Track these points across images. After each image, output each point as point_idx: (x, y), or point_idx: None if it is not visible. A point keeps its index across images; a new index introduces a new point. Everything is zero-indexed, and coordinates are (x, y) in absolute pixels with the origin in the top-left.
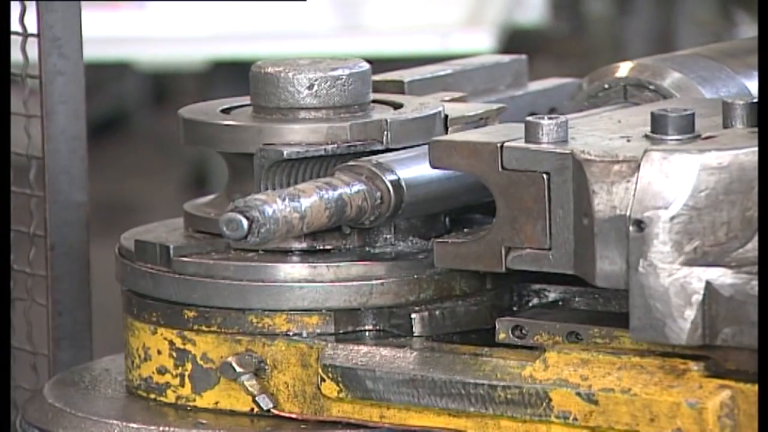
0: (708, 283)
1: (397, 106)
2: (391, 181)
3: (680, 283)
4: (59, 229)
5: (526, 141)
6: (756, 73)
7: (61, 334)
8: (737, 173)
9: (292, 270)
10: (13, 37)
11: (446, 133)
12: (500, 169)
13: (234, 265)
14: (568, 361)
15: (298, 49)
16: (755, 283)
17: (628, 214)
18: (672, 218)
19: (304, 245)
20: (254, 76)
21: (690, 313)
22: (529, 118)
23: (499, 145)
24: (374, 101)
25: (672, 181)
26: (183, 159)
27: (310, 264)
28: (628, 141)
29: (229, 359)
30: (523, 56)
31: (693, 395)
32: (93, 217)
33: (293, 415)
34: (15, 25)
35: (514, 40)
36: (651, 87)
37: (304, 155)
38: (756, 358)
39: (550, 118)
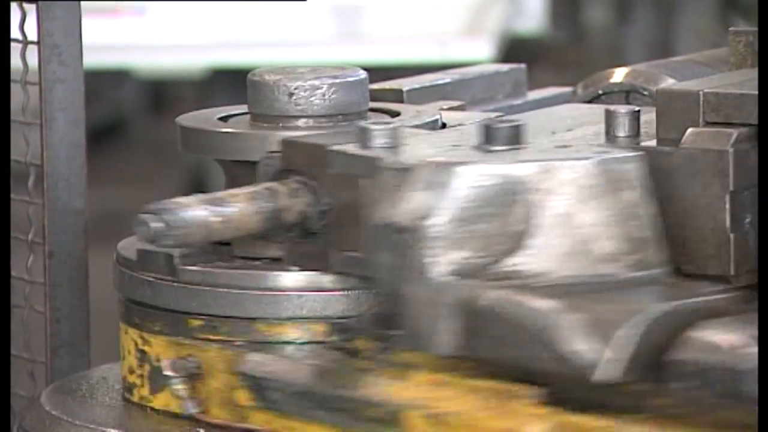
0: (464, 295)
1: (394, 114)
2: None
3: (436, 293)
4: (58, 236)
5: (359, 146)
6: None
7: (59, 342)
8: (505, 187)
9: (232, 276)
10: (12, 44)
11: None
12: (329, 171)
13: (186, 270)
14: (430, 382)
15: (297, 57)
16: (503, 297)
17: (397, 221)
18: (435, 228)
19: (277, 253)
20: (252, 83)
21: (448, 324)
22: (362, 123)
23: (328, 147)
24: (372, 110)
25: (438, 192)
26: (181, 166)
27: (293, 272)
28: (453, 149)
29: (162, 363)
30: (522, 65)
31: (517, 422)
32: (90, 224)
33: (219, 421)
34: (15, 32)
35: (513, 48)
36: (645, 93)
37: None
38: (587, 388)
39: (380, 123)
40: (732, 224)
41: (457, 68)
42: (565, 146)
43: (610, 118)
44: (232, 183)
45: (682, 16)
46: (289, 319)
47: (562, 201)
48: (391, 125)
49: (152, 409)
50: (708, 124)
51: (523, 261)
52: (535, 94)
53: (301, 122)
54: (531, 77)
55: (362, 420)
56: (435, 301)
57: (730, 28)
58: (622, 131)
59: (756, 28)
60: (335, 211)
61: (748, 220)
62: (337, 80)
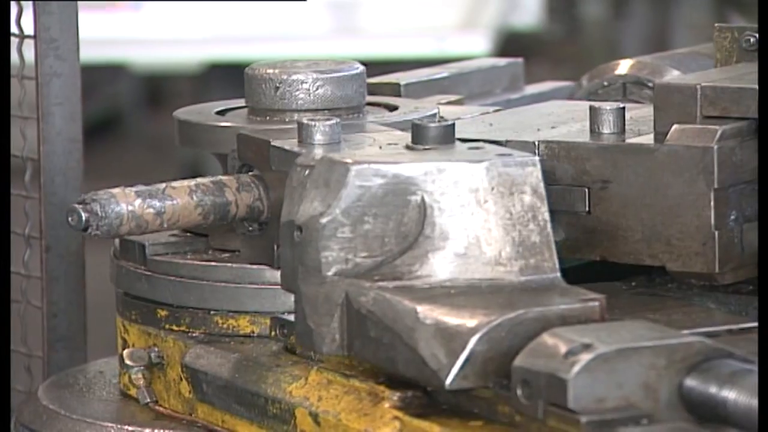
0: (346, 295)
1: (392, 108)
2: None
3: (326, 292)
4: (54, 230)
5: (299, 141)
6: None
7: (56, 336)
8: (395, 187)
9: (257, 273)
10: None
11: None
12: (272, 167)
13: (201, 266)
14: (320, 381)
15: (294, 51)
16: (380, 299)
17: (294, 219)
18: (325, 226)
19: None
20: (249, 77)
21: (331, 323)
22: (303, 119)
23: (270, 143)
24: (370, 104)
25: (331, 190)
26: (177, 161)
27: (200, 261)
28: (380, 148)
29: (123, 352)
30: (520, 60)
31: (372, 425)
32: None
33: (172, 413)
34: (11, 27)
35: (509, 43)
36: (650, 84)
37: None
38: (458, 395)
39: (324, 120)
40: (717, 221)
41: (455, 62)
42: (476, 148)
43: (594, 114)
44: None
45: (677, 10)
46: (245, 312)
47: (454, 203)
48: (331, 121)
49: (130, 396)
50: (705, 118)
51: (412, 262)
52: (532, 89)
53: (294, 116)
54: (527, 72)
55: (267, 416)
56: (323, 300)
57: (716, 24)
58: (607, 128)
59: (740, 24)
60: (276, 206)
61: (733, 217)
62: (335, 74)
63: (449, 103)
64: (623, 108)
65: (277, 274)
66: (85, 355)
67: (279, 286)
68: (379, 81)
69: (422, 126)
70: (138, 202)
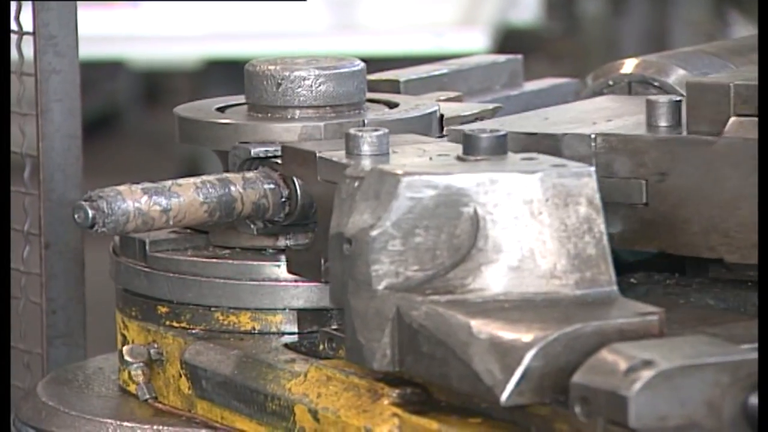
0: (398, 309)
1: (392, 105)
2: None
3: (377, 307)
4: (54, 227)
5: (347, 153)
6: None
7: (55, 333)
8: (447, 198)
9: (258, 269)
10: None
11: (440, 133)
12: (319, 179)
13: (202, 262)
14: (319, 378)
15: (293, 48)
16: (432, 313)
17: (344, 231)
18: (376, 239)
19: (278, 244)
20: (249, 74)
21: (382, 338)
22: (351, 130)
23: (315, 154)
24: (370, 100)
25: (381, 202)
26: (175, 157)
27: (276, 263)
28: (430, 159)
29: (123, 349)
30: (519, 56)
31: (371, 422)
32: None
33: (172, 409)
34: (11, 23)
35: (508, 39)
36: (656, 83)
37: (274, 154)
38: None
39: (372, 131)
40: None
41: (454, 59)
42: (529, 159)
43: (651, 107)
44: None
45: (676, 7)
46: (246, 309)
47: (507, 215)
48: (379, 132)
49: (129, 393)
50: (738, 116)
51: (465, 275)
52: (531, 85)
53: (296, 113)
54: (526, 68)
55: (267, 412)
56: (374, 314)
57: None
58: (664, 121)
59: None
60: (324, 219)
61: None
62: (337, 71)
63: (448, 99)
64: (680, 101)
65: (277, 271)
66: (84, 351)
67: (278, 283)
68: (378, 78)
69: (474, 136)
70: (144, 199)
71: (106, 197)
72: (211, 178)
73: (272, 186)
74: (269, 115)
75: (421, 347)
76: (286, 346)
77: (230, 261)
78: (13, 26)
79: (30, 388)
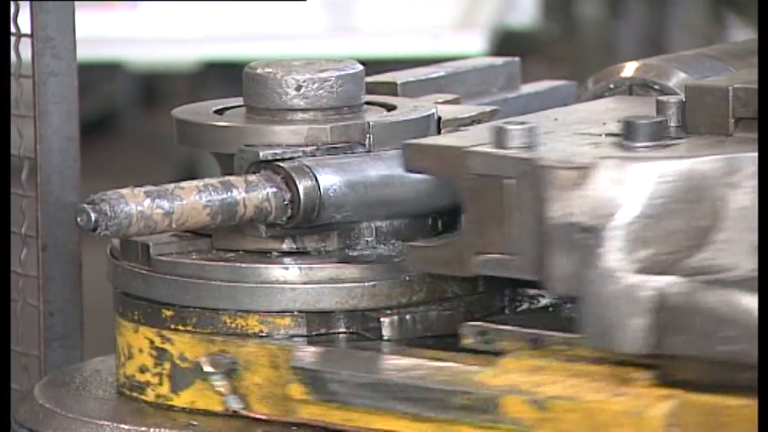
0: (658, 292)
1: (390, 108)
2: (305, 185)
3: (630, 290)
4: (51, 229)
5: (495, 146)
6: None
7: (53, 335)
8: (691, 182)
9: (266, 271)
10: None
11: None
12: (468, 173)
13: (209, 265)
14: (523, 367)
15: (290, 50)
16: (704, 292)
17: (580, 220)
18: (624, 225)
19: (283, 246)
20: (248, 77)
21: (639, 322)
22: (497, 123)
23: (466, 149)
24: (368, 103)
25: (625, 189)
26: (173, 160)
27: (284, 265)
28: (596, 147)
29: (201, 359)
30: (516, 59)
31: (638, 404)
32: None
33: (263, 417)
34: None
35: (505, 42)
36: (656, 87)
37: (282, 156)
38: (703, 368)
39: (518, 123)
40: None
41: (452, 61)
42: (722, 140)
43: (661, 108)
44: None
45: (674, 10)
46: (254, 311)
47: (746, 194)
48: (527, 125)
49: (173, 407)
50: (738, 120)
51: (709, 256)
52: (529, 88)
53: (296, 116)
54: (524, 71)
55: (449, 408)
56: (626, 299)
57: None
58: (674, 121)
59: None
60: (475, 213)
61: None
62: (336, 74)
63: (446, 102)
64: (684, 102)
65: (287, 273)
66: (81, 353)
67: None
68: (375, 80)
69: (636, 123)
70: (147, 202)
71: (108, 200)
72: (213, 181)
73: (275, 189)
74: (267, 117)
75: (694, 327)
76: (409, 343)
77: (237, 264)
78: (12, 28)
79: (27, 391)
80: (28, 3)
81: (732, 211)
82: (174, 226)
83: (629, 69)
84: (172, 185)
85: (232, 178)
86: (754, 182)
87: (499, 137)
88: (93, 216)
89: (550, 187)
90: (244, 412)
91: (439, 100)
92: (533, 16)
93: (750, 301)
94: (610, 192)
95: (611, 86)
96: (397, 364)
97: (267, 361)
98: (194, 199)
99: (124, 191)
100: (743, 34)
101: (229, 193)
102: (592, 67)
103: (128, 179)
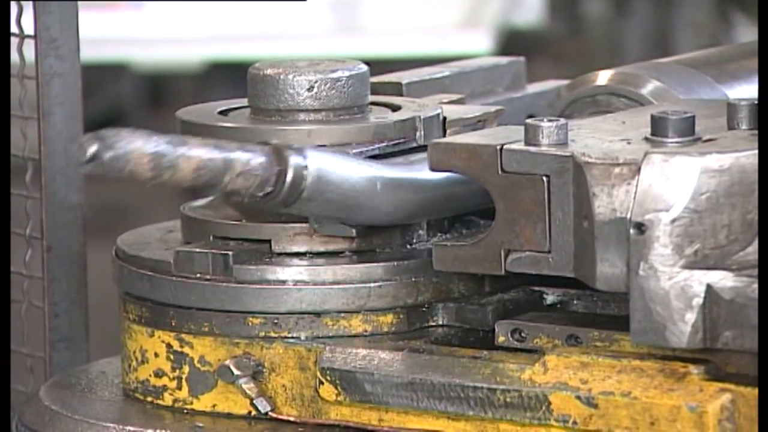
0: (709, 286)
1: (394, 108)
2: (295, 164)
3: (681, 286)
4: (56, 230)
5: (526, 143)
6: (738, 82)
7: (58, 337)
8: (738, 176)
9: (290, 272)
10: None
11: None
12: (500, 171)
13: (233, 268)
14: (568, 365)
15: (295, 50)
16: (756, 286)
17: (628, 216)
18: (673, 221)
19: (353, 245)
20: (253, 77)
21: (691, 317)
22: (529, 120)
23: (498, 147)
24: (373, 103)
25: (673, 184)
26: None
27: (291, 266)
28: (629, 143)
29: (228, 362)
30: (522, 58)
31: (693, 399)
32: (88, 218)
33: (291, 418)
34: (12, 27)
35: (511, 41)
36: (630, 96)
37: (366, 155)
38: (757, 361)
39: (549, 120)
40: None
41: (457, 61)
42: (752, 136)
43: (732, 111)
44: None
45: (680, 9)
46: (259, 312)
47: None
48: (558, 121)
49: (193, 411)
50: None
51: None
52: (534, 87)
53: (300, 116)
54: (529, 70)
55: (493, 406)
56: (677, 294)
57: None
58: (746, 124)
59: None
60: (509, 210)
61: None
62: (341, 74)
63: (451, 102)
64: (757, 104)
65: (294, 274)
66: (87, 355)
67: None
68: (380, 80)
69: (664, 118)
70: (155, 144)
71: (113, 137)
72: (219, 141)
73: (265, 163)
74: (272, 118)
75: (750, 321)
76: (437, 341)
77: (244, 266)
78: (15, 29)
79: (33, 392)
80: (31, 4)
81: None
82: (167, 179)
83: (602, 77)
84: (179, 137)
85: (238, 144)
86: None
87: (532, 134)
88: (93, 148)
89: (595, 184)
90: (273, 415)
91: (444, 100)
92: (539, 15)
93: None
94: (658, 187)
95: (584, 95)
96: (433, 362)
97: (294, 363)
98: (199, 153)
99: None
100: (749, 32)
101: (226, 156)
102: (597, 66)
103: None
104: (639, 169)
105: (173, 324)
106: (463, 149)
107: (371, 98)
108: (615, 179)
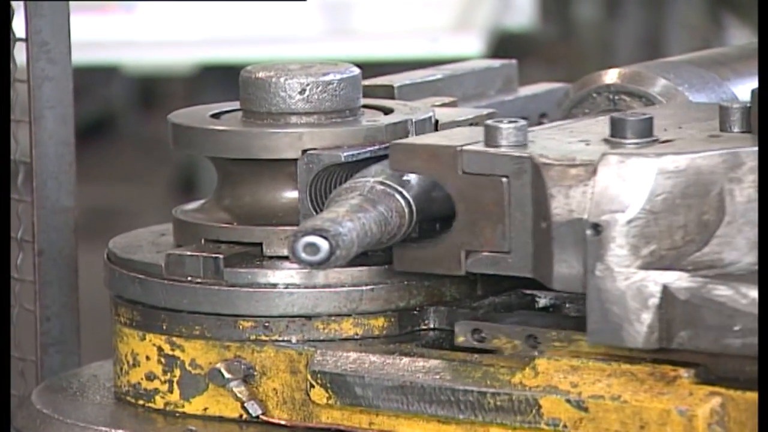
0: (664, 287)
1: (386, 111)
2: (405, 199)
3: (637, 286)
4: (47, 234)
5: (486, 145)
6: (743, 80)
7: (49, 340)
8: (694, 177)
9: (281, 275)
10: None
11: None
12: (459, 172)
13: (225, 271)
14: (558, 368)
15: (287, 53)
16: (711, 286)
17: (585, 217)
18: (629, 222)
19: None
20: (245, 80)
21: (646, 317)
22: (489, 122)
23: (458, 148)
24: (365, 106)
25: (629, 185)
26: (171, 163)
27: (282, 270)
28: (587, 145)
29: (218, 365)
30: (514, 61)
31: (683, 402)
32: (79, 221)
33: (282, 422)
34: None
35: (503, 44)
36: (639, 94)
37: (358, 158)
38: (746, 364)
39: (509, 122)
40: None
41: (449, 64)
42: (715, 135)
43: (724, 113)
44: (225, 181)
45: (672, 11)
46: (250, 315)
47: (748, 188)
48: (518, 123)
49: (184, 414)
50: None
51: (713, 251)
52: (526, 90)
53: (291, 119)
54: (521, 73)
55: (483, 410)
56: (634, 294)
57: None
58: (737, 127)
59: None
60: (467, 212)
61: None
62: (334, 77)
63: (443, 104)
64: (749, 107)
65: (286, 277)
66: (78, 358)
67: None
68: (372, 83)
69: (622, 119)
70: (355, 224)
71: (334, 227)
72: (357, 201)
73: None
74: (264, 121)
75: (705, 322)
76: (428, 345)
77: (236, 269)
78: None
79: (24, 396)
80: (22, 6)
81: (734, 206)
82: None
83: (611, 76)
84: (344, 206)
85: (364, 199)
86: (755, 176)
87: (491, 135)
88: (326, 246)
89: (552, 185)
90: (264, 418)
91: (436, 103)
92: (530, 18)
93: (757, 294)
94: (615, 188)
95: (593, 93)
96: (424, 366)
97: (285, 366)
98: (377, 217)
99: (327, 215)
100: (741, 34)
101: (381, 212)
102: (589, 69)
103: (126, 183)
104: (596, 171)
105: (164, 327)
106: (424, 150)
107: (363, 101)
108: (572, 180)
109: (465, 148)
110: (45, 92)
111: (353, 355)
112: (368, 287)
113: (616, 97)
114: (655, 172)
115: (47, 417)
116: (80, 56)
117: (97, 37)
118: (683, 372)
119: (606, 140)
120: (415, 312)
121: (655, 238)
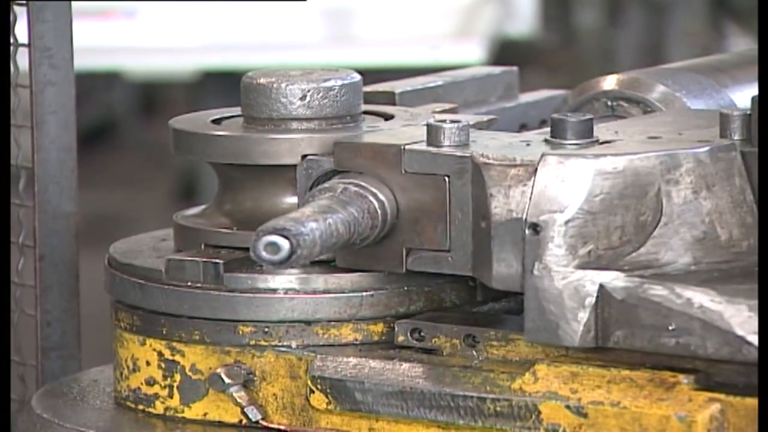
0: (601, 286)
1: (388, 117)
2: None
3: (574, 286)
4: (48, 239)
5: (428, 144)
6: (741, 87)
7: (50, 345)
8: (631, 178)
9: (281, 281)
10: None
11: None
12: (402, 171)
13: (225, 276)
14: (558, 374)
15: (288, 59)
16: (647, 286)
17: (524, 217)
18: (567, 222)
19: None
20: (246, 86)
21: (583, 316)
22: (431, 121)
23: (401, 147)
24: (366, 112)
25: (567, 186)
26: (172, 168)
27: (299, 275)
28: (528, 145)
29: (219, 371)
30: (514, 68)
31: (682, 408)
32: (81, 226)
33: (282, 427)
34: None
35: (504, 51)
36: (637, 100)
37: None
38: (744, 371)
39: (451, 122)
40: None
41: (450, 71)
42: (655, 137)
43: (724, 121)
44: (226, 186)
45: (673, 18)
46: (250, 321)
47: (685, 190)
48: (460, 124)
49: (184, 419)
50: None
51: (650, 251)
52: (527, 97)
53: (292, 125)
54: (522, 80)
55: (483, 415)
56: (571, 293)
57: None
58: (738, 134)
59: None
60: (408, 211)
61: None
62: (334, 83)
63: (444, 111)
64: (749, 114)
65: (286, 283)
66: (79, 363)
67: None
68: (373, 89)
69: (563, 120)
70: (320, 224)
71: (296, 226)
72: (328, 201)
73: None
74: (265, 127)
75: (640, 321)
76: (403, 348)
77: (236, 274)
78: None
79: (25, 401)
80: (25, 13)
81: (671, 207)
82: (336, 247)
83: (610, 82)
84: (316, 205)
85: (332, 199)
86: (692, 178)
87: (434, 135)
88: (286, 245)
89: (492, 184)
90: (264, 423)
91: (437, 110)
92: (532, 26)
93: (692, 294)
94: (553, 189)
95: (591, 100)
96: (424, 372)
97: (285, 372)
98: (349, 216)
99: (296, 215)
100: (742, 42)
101: (351, 212)
102: (590, 76)
103: (127, 188)
104: (535, 171)
105: (164, 332)
106: (368, 149)
107: (364, 107)
108: (511, 180)
109: (408, 147)
110: (47, 97)
111: (353, 360)
112: (368, 293)
113: (615, 104)
114: (593, 173)
115: (47, 422)
116: (82, 62)
117: (100, 43)
118: (683, 378)
119: (546, 141)
120: None
121: (592, 238)
